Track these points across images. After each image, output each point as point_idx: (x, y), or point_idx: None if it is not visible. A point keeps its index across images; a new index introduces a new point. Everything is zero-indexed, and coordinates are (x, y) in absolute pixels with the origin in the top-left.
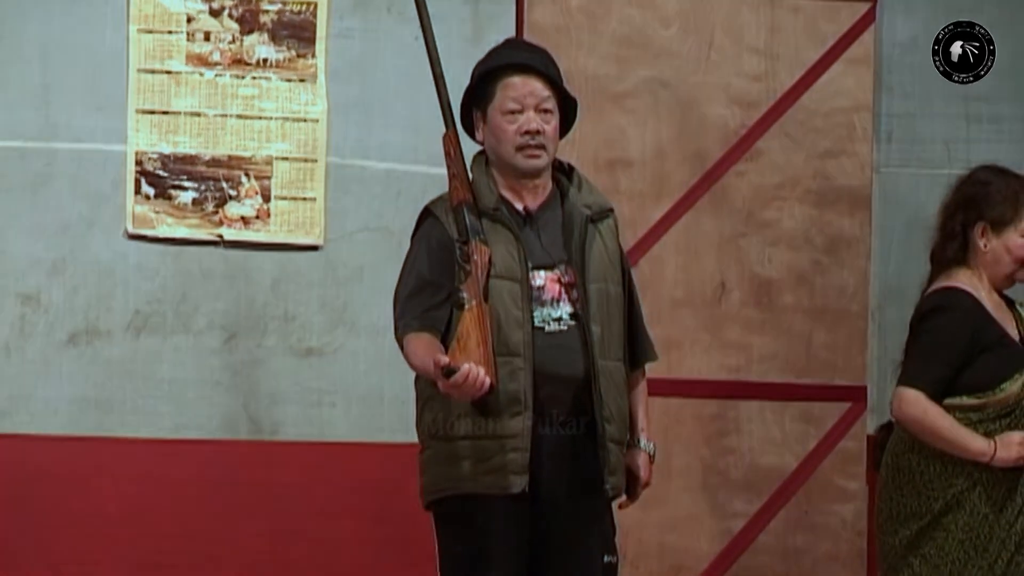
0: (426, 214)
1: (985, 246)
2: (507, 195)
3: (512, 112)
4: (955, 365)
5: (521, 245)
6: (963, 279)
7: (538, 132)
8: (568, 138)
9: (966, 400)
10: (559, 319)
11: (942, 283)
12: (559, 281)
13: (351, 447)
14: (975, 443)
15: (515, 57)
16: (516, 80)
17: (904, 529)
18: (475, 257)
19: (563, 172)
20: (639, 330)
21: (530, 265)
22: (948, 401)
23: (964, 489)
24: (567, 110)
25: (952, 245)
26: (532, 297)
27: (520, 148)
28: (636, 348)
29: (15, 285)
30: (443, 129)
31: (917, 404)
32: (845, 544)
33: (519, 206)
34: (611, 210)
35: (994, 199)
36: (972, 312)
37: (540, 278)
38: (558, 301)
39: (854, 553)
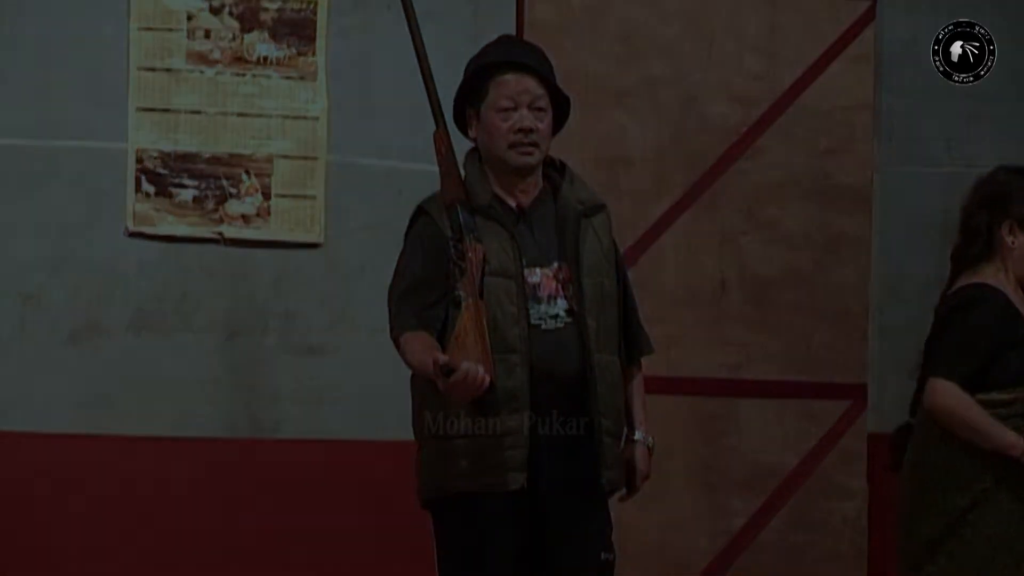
0: (419, 213)
1: (1013, 243)
2: (499, 192)
3: (505, 109)
4: (985, 360)
5: (515, 242)
6: (990, 276)
7: (531, 130)
8: (569, 136)
9: (996, 395)
10: (556, 316)
11: (970, 279)
12: (555, 278)
13: (352, 445)
14: (1007, 436)
15: (508, 55)
16: (509, 78)
17: (928, 525)
18: (470, 255)
19: (555, 169)
20: (634, 324)
21: (525, 262)
22: (978, 396)
23: (991, 485)
24: (560, 108)
25: (977, 244)
26: (528, 294)
27: (513, 145)
28: (631, 342)
29: (15, 284)
30: None
31: (952, 395)
32: (846, 542)
33: (512, 203)
34: (604, 205)
35: (1019, 197)
36: (1003, 308)
37: (536, 275)
38: (555, 298)
39: (855, 551)
